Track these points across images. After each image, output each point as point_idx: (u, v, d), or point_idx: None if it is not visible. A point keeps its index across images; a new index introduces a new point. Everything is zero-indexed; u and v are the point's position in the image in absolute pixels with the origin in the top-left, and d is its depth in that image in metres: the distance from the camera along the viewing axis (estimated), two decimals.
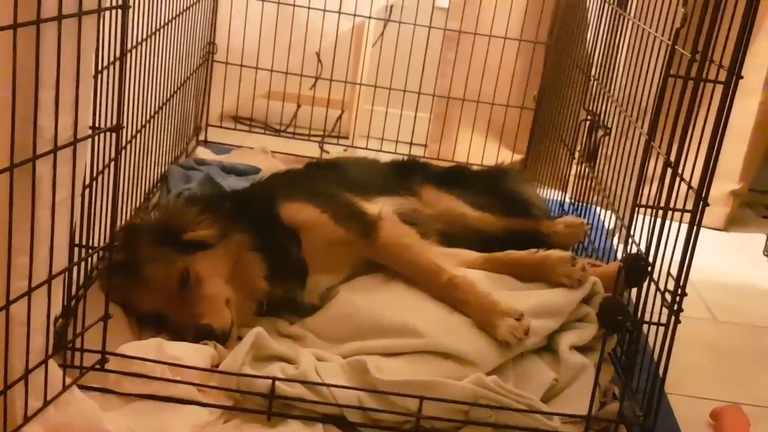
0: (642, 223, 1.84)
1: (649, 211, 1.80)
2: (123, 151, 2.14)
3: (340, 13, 3.38)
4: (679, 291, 1.74)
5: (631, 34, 2.45)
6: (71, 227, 1.60)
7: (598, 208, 2.79)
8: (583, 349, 2.02)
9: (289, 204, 2.21)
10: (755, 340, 2.56)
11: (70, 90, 1.46)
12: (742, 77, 1.68)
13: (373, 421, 1.81)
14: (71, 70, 1.45)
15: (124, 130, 2.07)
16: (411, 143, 3.59)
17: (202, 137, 3.54)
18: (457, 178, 2.68)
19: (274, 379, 1.78)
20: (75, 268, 1.72)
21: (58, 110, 1.43)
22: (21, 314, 1.46)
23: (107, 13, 1.59)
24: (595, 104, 2.74)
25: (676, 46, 1.77)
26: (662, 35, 2.04)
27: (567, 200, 3.11)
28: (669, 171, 1.75)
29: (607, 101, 2.61)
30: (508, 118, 3.52)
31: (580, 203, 2.89)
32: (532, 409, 1.80)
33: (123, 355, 1.79)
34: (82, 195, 1.64)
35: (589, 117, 2.75)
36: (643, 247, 1.83)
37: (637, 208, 1.81)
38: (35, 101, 1.38)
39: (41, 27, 1.35)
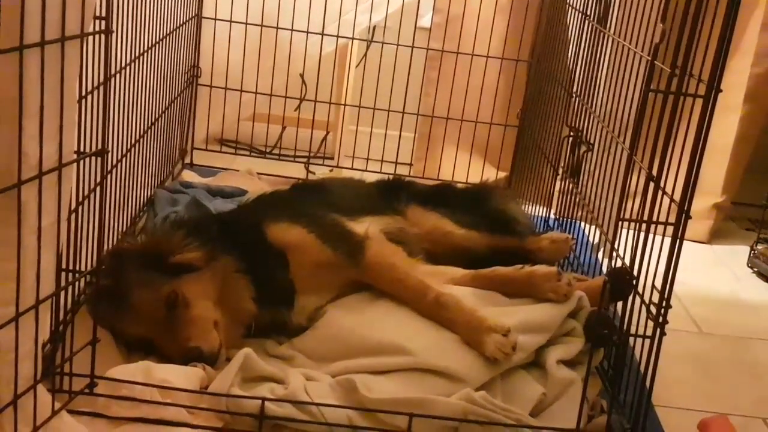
0: (626, 237, 1.85)
1: (632, 225, 1.81)
2: (109, 176, 2.14)
3: (323, 34, 3.39)
4: (664, 303, 1.76)
5: (611, 51, 2.47)
6: (58, 252, 1.60)
7: (583, 224, 2.81)
8: (570, 364, 2.04)
9: (276, 225, 2.22)
10: (740, 352, 2.57)
11: (55, 115, 1.46)
12: (721, 90, 1.70)
13: None
14: (55, 95, 1.45)
15: (110, 154, 2.07)
16: (396, 162, 3.60)
17: (187, 160, 3.54)
18: (443, 197, 2.69)
19: (264, 399, 1.78)
20: (62, 293, 1.71)
21: (42, 136, 1.43)
22: (9, 340, 1.46)
23: (90, 38, 1.60)
24: (578, 120, 2.75)
25: (655, 62, 1.79)
26: (642, 51, 2.06)
27: (552, 216, 3.12)
28: (651, 185, 1.77)
29: (589, 117, 2.63)
30: (492, 135, 3.53)
31: (565, 219, 2.90)
32: (520, 423, 1.81)
33: (112, 379, 1.80)
34: (69, 220, 1.65)
35: (571, 133, 2.76)
36: (627, 261, 1.84)
37: (620, 223, 1.83)
38: (19, 127, 1.38)
39: (24, 53, 1.35)
